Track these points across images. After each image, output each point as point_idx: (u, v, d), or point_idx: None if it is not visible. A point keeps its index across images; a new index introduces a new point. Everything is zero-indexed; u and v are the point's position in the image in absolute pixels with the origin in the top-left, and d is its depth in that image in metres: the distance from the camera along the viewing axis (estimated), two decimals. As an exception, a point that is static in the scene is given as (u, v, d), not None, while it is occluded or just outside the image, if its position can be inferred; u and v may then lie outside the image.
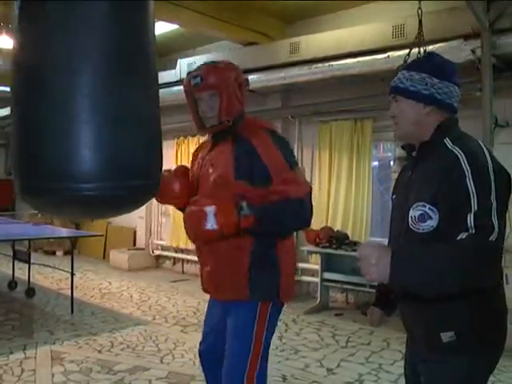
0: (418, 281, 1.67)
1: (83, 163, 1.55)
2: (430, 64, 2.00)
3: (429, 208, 1.83)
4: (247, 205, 2.29)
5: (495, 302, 1.93)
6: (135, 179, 1.66)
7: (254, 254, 2.44)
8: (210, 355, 2.69)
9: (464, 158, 1.78)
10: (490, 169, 1.76)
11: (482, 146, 1.87)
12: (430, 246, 1.75)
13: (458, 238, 1.68)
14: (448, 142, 1.89)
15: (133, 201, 1.78)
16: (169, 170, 2.67)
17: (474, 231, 1.67)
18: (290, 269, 2.59)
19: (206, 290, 2.66)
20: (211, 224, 2.23)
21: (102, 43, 1.57)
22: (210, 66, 2.52)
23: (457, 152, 1.82)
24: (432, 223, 1.83)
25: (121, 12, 1.61)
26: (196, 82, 2.46)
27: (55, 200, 1.64)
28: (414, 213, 1.88)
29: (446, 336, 1.87)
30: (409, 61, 3.66)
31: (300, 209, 2.36)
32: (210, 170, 2.51)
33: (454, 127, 1.98)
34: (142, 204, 1.87)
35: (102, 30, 1.58)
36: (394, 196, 2.20)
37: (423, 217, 1.84)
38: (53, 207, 1.80)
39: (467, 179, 1.73)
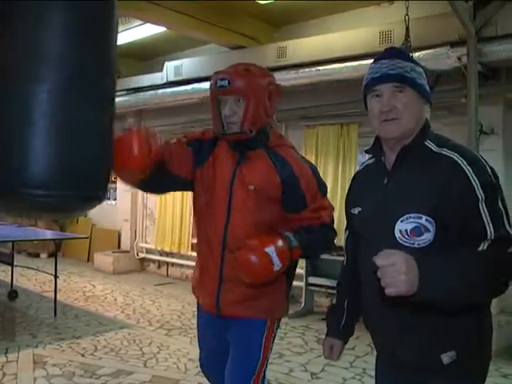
0: (448, 293, 1.49)
1: (38, 170, 1.59)
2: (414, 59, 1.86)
3: (426, 220, 1.63)
4: (293, 235, 2.25)
5: (490, 312, 1.81)
6: (86, 190, 1.72)
7: (288, 275, 2.45)
8: (212, 367, 2.65)
9: (466, 164, 1.62)
10: (491, 173, 1.64)
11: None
12: (453, 257, 1.56)
13: (480, 249, 1.55)
14: (431, 144, 1.73)
15: (81, 208, 1.86)
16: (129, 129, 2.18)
17: (491, 242, 1.55)
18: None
19: (219, 312, 2.46)
20: (277, 265, 2.17)
21: (64, 55, 1.60)
22: (241, 69, 2.33)
23: (454, 157, 1.65)
24: (429, 237, 1.63)
25: (86, 28, 1.64)
26: (222, 84, 2.25)
27: (11, 204, 1.71)
28: (404, 226, 1.66)
29: (448, 357, 1.68)
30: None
31: (330, 232, 2.41)
32: (251, 187, 2.32)
33: (430, 128, 1.82)
34: (89, 210, 1.95)
35: (67, 42, 1.61)
36: (359, 209, 1.92)
37: (418, 230, 1.64)
38: (8, 209, 1.90)
39: (475, 188, 1.58)
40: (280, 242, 2.20)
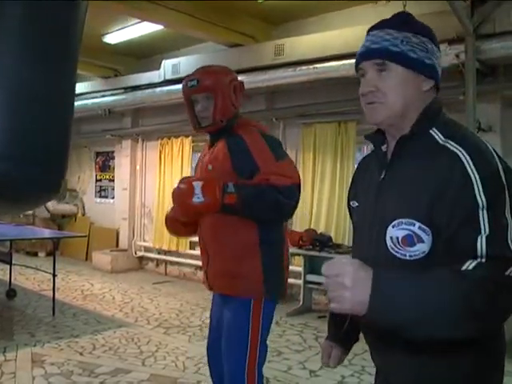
0: (410, 319, 1.18)
1: None
2: (421, 24, 1.51)
3: (419, 227, 1.33)
4: (233, 184, 2.40)
5: (502, 340, 1.46)
6: (33, 165, 1.54)
7: (264, 254, 2.56)
8: (214, 349, 2.78)
9: (469, 159, 1.29)
10: (502, 173, 1.29)
11: (483, 140, 1.41)
12: (426, 273, 1.24)
13: (464, 267, 1.21)
14: (437, 133, 1.40)
15: (29, 191, 1.63)
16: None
17: (484, 260, 1.22)
18: (287, 267, 2.73)
19: (210, 287, 2.74)
20: (198, 197, 2.35)
21: (23, 32, 1.52)
22: (206, 70, 2.68)
23: (457, 151, 1.32)
24: (424, 248, 1.33)
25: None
26: (192, 84, 2.60)
27: None
28: (395, 232, 1.38)
29: None
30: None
31: (282, 197, 2.43)
32: (210, 167, 2.61)
33: (441, 112, 1.48)
34: (43, 200, 1.76)
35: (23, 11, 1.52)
36: (356, 204, 1.64)
37: (411, 239, 1.34)
38: None
39: (475, 190, 1.26)
40: (212, 182, 2.41)
